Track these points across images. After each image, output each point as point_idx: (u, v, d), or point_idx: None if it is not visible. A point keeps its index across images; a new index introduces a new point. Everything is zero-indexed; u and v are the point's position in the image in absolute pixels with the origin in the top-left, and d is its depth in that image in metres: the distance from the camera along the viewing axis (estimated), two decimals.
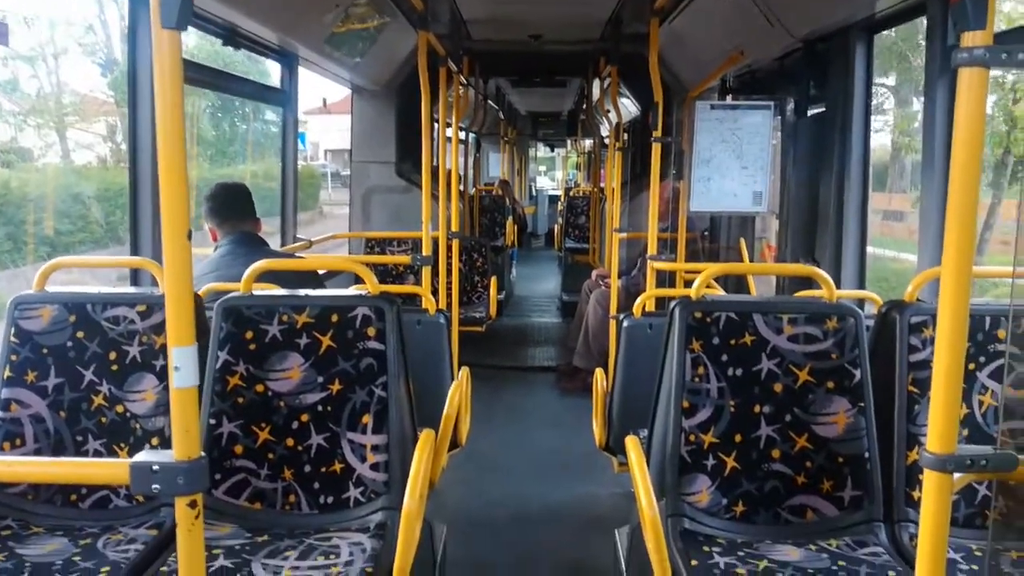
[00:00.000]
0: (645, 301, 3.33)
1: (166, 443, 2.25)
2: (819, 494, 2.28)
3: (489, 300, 6.20)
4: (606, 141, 7.58)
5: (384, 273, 5.73)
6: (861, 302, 3.01)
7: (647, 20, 3.64)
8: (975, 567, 2.06)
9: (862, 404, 2.28)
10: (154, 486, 1.15)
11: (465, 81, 5.90)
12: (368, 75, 5.59)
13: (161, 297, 2.27)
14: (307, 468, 2.31)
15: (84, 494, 2.29)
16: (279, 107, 4.57)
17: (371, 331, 2.33)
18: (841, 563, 2.07)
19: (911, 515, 2.22)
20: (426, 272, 3.57)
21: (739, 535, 2.24)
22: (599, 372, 3.77)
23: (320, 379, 2.33)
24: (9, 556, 2.02)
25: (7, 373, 2.29)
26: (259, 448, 2.31)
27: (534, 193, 17.90)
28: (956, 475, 1.18)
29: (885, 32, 3.44)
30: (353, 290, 2.51)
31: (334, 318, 2.34)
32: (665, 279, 4.17)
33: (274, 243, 3.98)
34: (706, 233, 5.44)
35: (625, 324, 3.33)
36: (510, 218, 9.75)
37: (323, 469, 2.31)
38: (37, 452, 2.27)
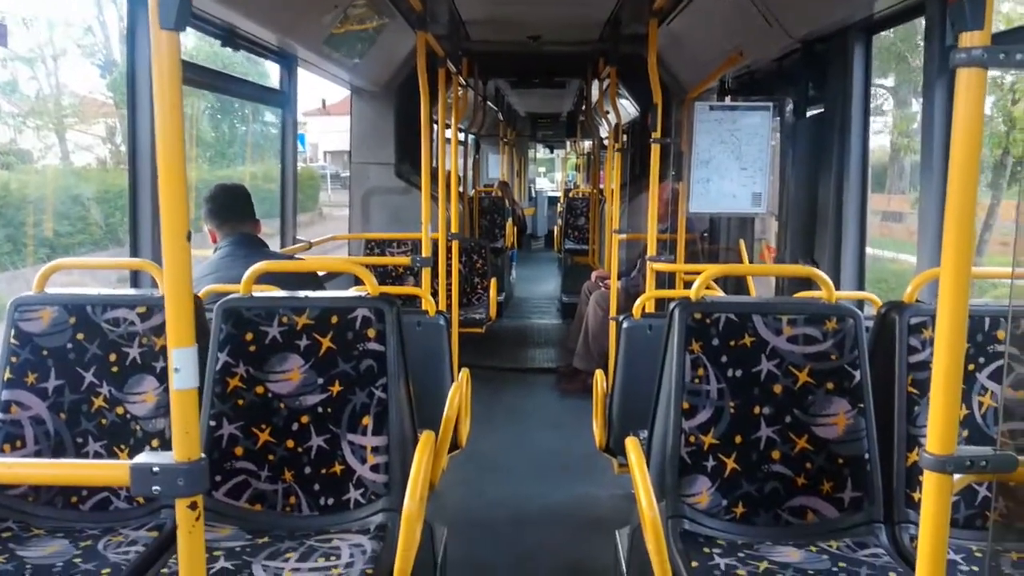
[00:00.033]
0: (645, 302, 3.33)
1: (166, 445, 2.25)
2: (819, 495, 2.28)
3: (489, 301, 6.20)
4: (605, 142, 7.58)
5: (384, 275, 5.73)
6: (860, 303, 3.01)
7: (646, 21, 3.64)
8: (975, 568, 2.06)
9: (862, 405, 2.28)
10: (154, 488, 1.15)
11: (464, 82, 5.90)
12: (367, 76, 5.59)
13: (161, 299, 2.27)
14: (307, 470, 2.31)
15: (84, 496, 2.29)
16: (278, 108, 4.57)
17: (371, 332, 2.33)
18: (841, 564, 2.07)
19: (911, 516, 2.22)
20: (426, 273, 3.57)
21: (739, 536, 2.24)
22: (599, 373, 3.77)
23: (320, 381, 2.32)
24: (10, 558, 2.02)
25: (7, 375, 2.29)
26: (259, 450, 2.31)
27: (533, 194, 17.90)
28: (956, 476, 1.18)
29: (884, 33, 3.45)
30: (353, 292, 2.51)
31: (334, 320, 2.34)
32: (665, 280, 4.17)
33: (274, 245, 3.98)
34: (705, 234, 5.44)
35: (625, 325, 3.33)
36: (510, 219, 9.75)
37: (323, 471, 2.31)
38: (37, 454, 2.27)
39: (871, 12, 3.08)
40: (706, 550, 2.14)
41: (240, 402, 2.30)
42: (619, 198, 5.35)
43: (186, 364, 1.16)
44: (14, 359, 2.29)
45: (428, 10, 3.60)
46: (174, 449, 1.16)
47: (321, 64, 4.67)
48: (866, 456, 2.26)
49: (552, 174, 24.68)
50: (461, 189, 8.37)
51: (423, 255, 3.55)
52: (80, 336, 2.31)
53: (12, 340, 2.30)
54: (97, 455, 2.29)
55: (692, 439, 2.30)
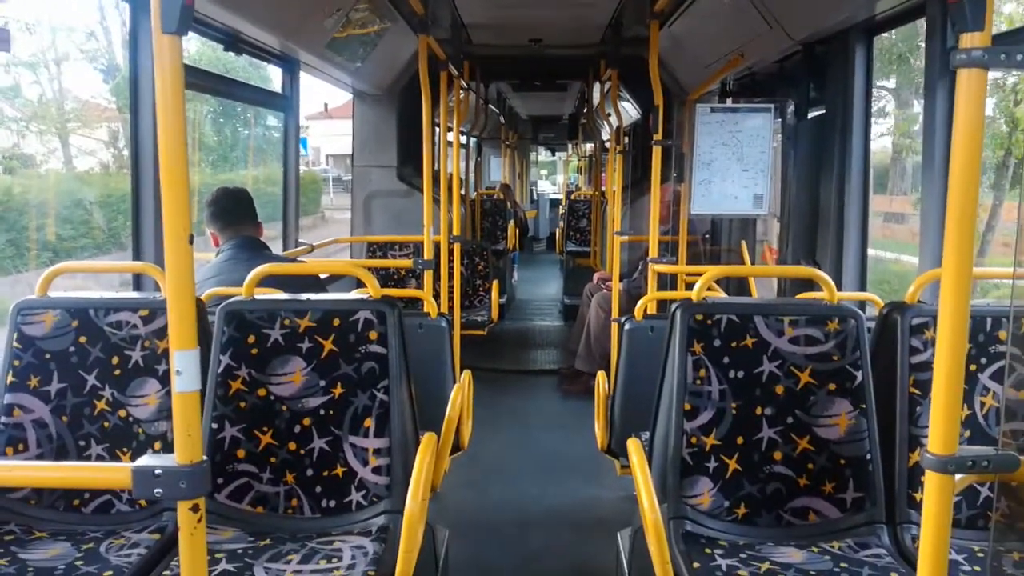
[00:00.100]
0: (646, 304, 3.33)
1: (168, 448, 2.25)
2: (821, 496, 2.28)
3: (491, 303, 6.20)
4: (607, 145, 7.59)
5: (386, 277, 5.74)
6: (862, 304, 3.01)
7: (647, 23, 3.64)
8: (977, 568, 2.06)
9: (863, 406, 2.28)
10: (156, 490, 1.16)
11: (466, 85, 5.91)
12: (369, 80, 5.60)
13: (163, 302, 2.27)
14: (309, 472, 2.31)
15: (87, 499, 2.29)
16: (280, 112, 4.58)
17: (373, 335, 2.33)
18: (843, 565, 2.07)
19: (913, 517, 2.22)
20: (428, 276, 3.57)
21: (741, 537, 2.24)
22: (601, 375, 3.77)
23: (322, 383, 2.33)
24: (12, 561, 2.02)
25: (10, 378, 2.29)
26: (261, 452, 2.31)
27: (535, 197, 17.91)
28: (958, 476, 1.18)
29: (885, 34, 3.45)
30: (355, 294, 2.51)
31: (336, 322, 2.34)
32: (666, 282, 4.17)
33: (276, 248, 3.99)
34: (707, 236, 5.44)
35: (627, 327, 3.33)
36: (511, 222, 9.75)
37: (325, 473, 2.31)
38: (40, 457, 2.27)
39: (872, 13, 3.09)
40: (708, 551, 2.14)
41: (242, 405, 2.31)
42: (621, 200, 5.36)
43: (188, 367, 1.17)
44: (17, 362, 2.30)
45: (430, 14, 3.60)
46: (176, 452, 1.17)
47: (323, 68, 4.68)
48: (868, 457, 2.26)
49: (554, 176, 24.71)
50: (463, 192, 8.38)
51: (425, 258, 3.55)
52: (83, 339, 2.32)
53: (15, 343, 2.31)
54: (99, 458, 2.30)
55: (694, 440, 2.30)
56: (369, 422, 2.31)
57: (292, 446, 2.31)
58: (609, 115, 6.01)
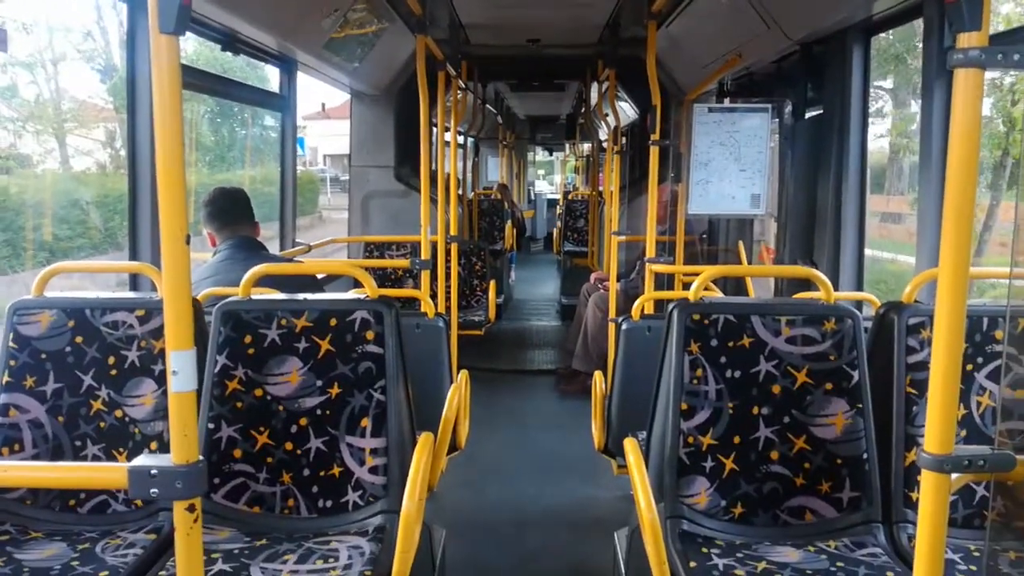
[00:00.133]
0: (644, 304, 3.33)
1: (165, 448, 2.23)
2: (817, 495, 2.28)
3: (488, 304, 6.20)
4: (604, 145, 7.59)
5: (383, 277, 5.73)
6: (859, 304, 3.01)
7: (645, 24, 3.64)
8: (973, 567, 2.06)
9: (860, 405, 2.28)
10: (152, 490, 1.16)
11: (463, 85, 5.91)
12: (367, 80, 5.60)
13: (160, 302, 2.27)
14: (306, 472, 2.31)
15: (83, 499, 2.29)
16: (278, 112, 4.57)
17: (370, 335, 2.33)
18: (840, 564, 2.07)
19: (909, 516, 2.22)
20: (425, 276, 3.57)
21: (738, 536, 2.24)
22: (598, 375, 3.78)
23: (319, 383, 2.33)
24: (8, 561, 2.02)
25: (6, 378, 2.29)
26: (258, 452, 2.31)
27: (533, 197, 17.92)
28: (954, 475, 1.18)
29: (882, 35, 3.45)
30: (352, 294, 2.51)
31: (333, 322, 2.34)
32: (664, 282, 4.17)
33: (273, 248, 3.99)
34: (704, 236, 5.44)
35: (624, 327, 3.34)
36: (509, 222, 9.76)
37: (322, 473, 2.31)
38: (36, 457, 2.27)
39: (870, 14, 3.09)
40: (704, 550, 2.14)
41: (239, 404, 2.30)
42: (618, 200, 5.36)
43: (184, 367, 1.16)
44: (13, 362, 2.29)
45: (427, 14, 3.60)
46: (172, 452, 1.17)
47: (321, 68, 4.68)
48: (864, 456, 2.26)
49: (551, 176, 24.72)
50: (460, 192, 8.39)
51: (422, 258, 3.55)
52: (79, 339, 2.32)
53: (11, 343, 2.30)
54: (95, 458, 2.29)
55: (691, 440, 2.31)
56: (366, 422, 2.31)
57: (289, 446, 2.31)
58: (607, 115, 6.01)
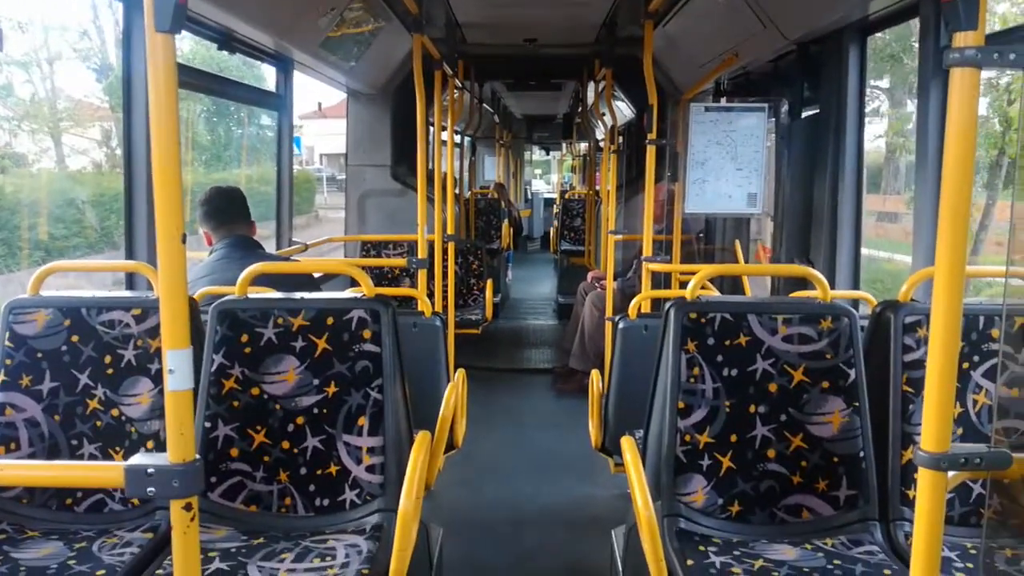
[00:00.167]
0: (641, 302, 3.34)
1: (161, 447, 2.24)
2: (814, 493, 2.29)
3: (485, 303, 6.20)
4: (601, 144, 7.60)
5: (380, 276, 5.73)
6: (856, 302, 3.02)
7: (641, 23, 3.64)
8: (970, 565, 2.07)
9: (857, 404, 2.28)
10: (149, 489, 1.15)
11: (460, 85, 5.91)
12: (363, 79, 5.60)
13: (156, 301, 2.27)
14: (303, 471, 2.31)
15: (79, 498, 2.28)
16: (274, 111, 4.57)
17: (367, 334, 2.33)
18: (836, 562, 2.08)
19: (906, 514, 2.23)
20: (422, 275, 3.57)
21: (735, 535, 2.24)
22: (595, 373, 3.78)
23: (316, 382, 2.32)
24: (4, 560, 2.02)
25: (2, 377, 2.29)
26: (255, 451, 2.30)
27: (529, 196, 17.93)
28: (950, 473, 1.19)
29: (878, 34, 3.46)
30: (349, 293, 2.51)
31: (329, 321, 2.34)
32: (660, 281, 4.17)
33: (269, 247, 3.98)
34: (701, 235, 5.44)
35: (621, 325, 3.34)
36: (506, 221, 9.75)
37: (319, 472, 2.31)
38: (32, 456, 2.27)
39: (866, 13, 3.09)
40: (702, 548, 2.14)
41: (235, 403, 2.30)
42: (615, 199, 5.36)
43: (181, 365, 1.16)
44: (8, 361, 2.29)
45: (424, 13, 3.60)
46: (169, 450, 1.16)
47: (317, 67, 4.67)
48: (861, 454, 2.26)
49: (548, 176, 24.71)
50: (457, 191, 8.38)
51: (419, 257, 3.55)
52: (75, 338, 2.31)
53: (6, 343, 2.30)
54: (92, 457, 2.29)
55: (688, 438, 2.31)
56: (363, 421, 2.31)
57: (285, 445, 2.31)
58: (603, 114, 6.01)
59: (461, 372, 3.50)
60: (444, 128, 5.39)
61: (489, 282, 6.35)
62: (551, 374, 6.15)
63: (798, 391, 2.31)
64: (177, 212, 1.15)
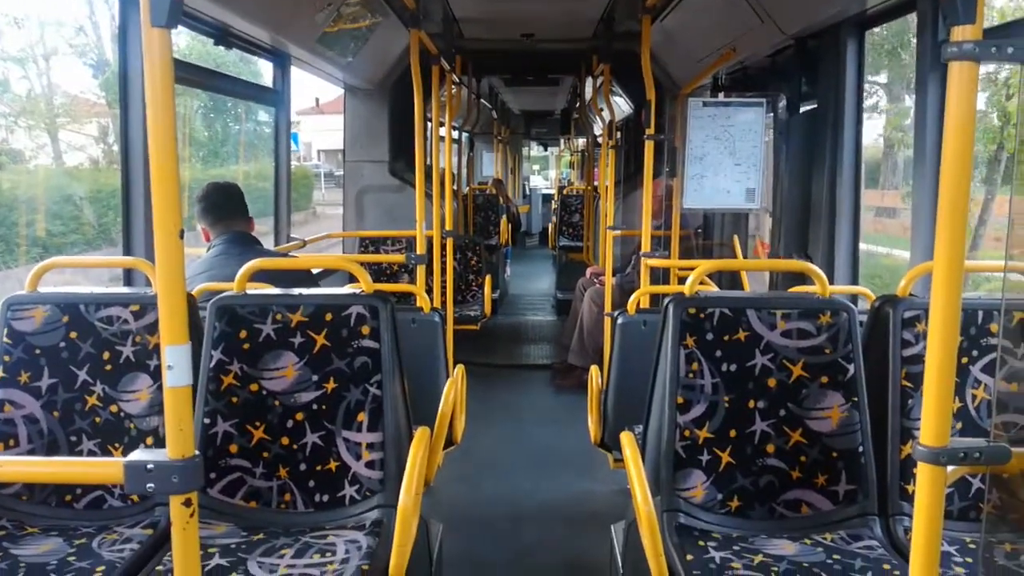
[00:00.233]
0: (639, 298, 3.34)
1: (160, 443, 2.24)
2: (814, 488, 2.29)
3: (483, 298, 6.20)
4: (599, 139, 7.59)
5: (378, 272, 5.73)
6: (854, 297, 3.02)
7: (639, 18, 3.64)
8: (969, 560, 2.07)
9: (855, 399, 2.28)
10: (148, 485, 1.15)
11: (458, 80, 5.90)
12: (361, 74, 5.59)
13: (154, 297, 2.27)
14: (302, 466, 2.31)
15: (79, 494, 2.28)
16: (272, 107, 4.56)
17: (365, 329, 2.33)
18: (836, 557, 2.08)
19: (905, 509, 2.23)
20: (420, 271, 3.57)
21: (734, 529, 2.25)
22: (594, 369, 3.78)
23: (315, 378, 2.32)
24: (4, 557, 2.02)
25: (0, 374, 2.28)
26: (254, 447, 2.30)
27: (528, 192, 17.92)
28: (950, 468, 1.19)
29: (876, 29, 3.45)
30: (347, 289, 2.51)
31: (328, 317, 2.33)
32: (659, 276, 4.17)
33: (268, 243, 3.98)
34: (699, 230, 5.44)
35: (619, 321, 3.34)
36: (504, 217, 9.75)
37: (318, 467, 2.31)
38: (31, 453, 2.26)
39: (864, 8, 3.09)
40: (701, 543, 2.15)
41: (234, 400, 2.30)
42: (613, 195, 5.36)
43: (179, 361, 1.16)
44: (7, 358, 2.29)
45: (421, 8, 3.59)
46: (168, 446, 1.16)
47: (314, 62, 4.66)
48: (860, 449, 2.27)
49: (546, 171, 24.71)
50: (455, 187, 8.37)
51: (418, 252, 3.55)
52: (73, 335, 2.31)
53: (5, 339, 2.29)
54: (91, 453, 2.29)
55: (687, 433, 2.31)
56: (362, 417, 2.31)
57: (285, 441, 2.31)
58: (601, 110, 6.00)
59: (460, 368, 3.50)
60: (442, 124, 5.39)
61: (488, 278, 6.35)
62: (550, 370, 6.15)
63: (797, 386, 2.31)
64: (175, 208, 1.14)
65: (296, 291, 2.41)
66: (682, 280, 3.17)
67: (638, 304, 3.31)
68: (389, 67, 5.82)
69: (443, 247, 4.19)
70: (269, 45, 4.12)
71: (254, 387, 2.31)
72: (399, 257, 3.64)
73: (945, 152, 1.14)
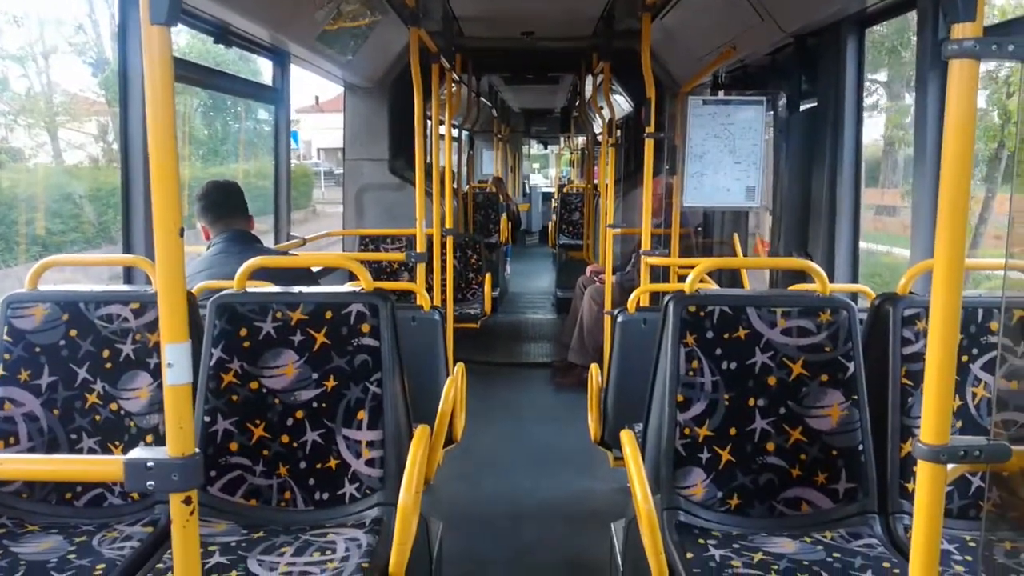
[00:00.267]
0: (639, 296, 3.34)
1: (160, 441, 2.24)
2: (813, 486, 2.29)
3: (483, 297, 6.20)
4: (599, 138, 7.58)
5: (378, 270, 5.73)
6: (854, 295, 3.02)
7: (639, 16, 3.64)
8: (969, 558, 2.07)
9: (855, 397, 2.28)
10: (149, 483, 1.15)
11: (458, 78, 5.89)
12: (360, 72, 5.58)
13: (154, 295, 2.27)
14: (302, 464, 2.31)
15: (79, 492, 2.28)
16: (271, 105, 4.56)
17: (365, 328, 2.33)
18: (836, 555, 2.08)
19: (905, 507, 2.23)
20: (420, 269, 3.57)
21: (734, 528, 2.25)
22: (594, 367, 3.78)
23: (315, 376, 2.32)
24: (4, 554, 2.02)
25: (0, 372, 2.28)
26: (254, 445, 2.30)
27: (528, 190, 17.92)
28: (950, 466, 1.19)
29: (876, 27, 3.45)
30: (347, 287, 2.51)
31: (328, 315, 2.33)
32: (659, 274, 4.17)
33: (267, 241, 3.98)
34: (699, 229, 5.44)
35: (619, 319, 3.34)
36: (504, 215, 9.75)
37: (318, 465, 2.31)
38: (31, 451, 2.26)
39: (864, 6, 3.09)
40: (701, 541, 2.15)
41: (234, 398, 2.30)
42: (613, 193, 5.36)
43: (180, 359, 1.16)
44: (7, 356, 2.29)
45: (421, 6, 3.59)
46: (168, 444, 1.16)
47: (314, 61, 4.66)
48: (860, 447, 2.27)
49: (546, 170, 24.70)
50: (455, 185, 8.37)
51: (417, 251, 3.55)
52: (73, 333, 2.31)
53: (5, 337, 2.29)
54: (91, 451, 2.29)
55: (687, 431, 2.31)
56: (362, 415, 2.31)
57: (285, 439, 2.31)
58: (601, 108, 6.00)
59: (460, 366, 3.50)
60: (442, 122, 5.39)
61: (488, 276, 6.35)
62: (550, 368, 6.15)
63: (797, 384, 2.31)
64: (175, 206, 1.14)
65: (296, 289, 2.41)
66: (682, 278, 3.17)
67: (638, 302, 3.31)
68: (389, 65, 5.82)
69: (443, 245, 4.19)
70: (269, 43, 4.12)
71: (254, 385, 2.31)
72: (399, 255, 3.64)
73: (945, 150, 1.14)
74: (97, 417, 2.30)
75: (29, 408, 2.28)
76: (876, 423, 2.28)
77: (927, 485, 1.20)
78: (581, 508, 3.79)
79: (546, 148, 21.85)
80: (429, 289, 3.56)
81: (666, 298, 2.39)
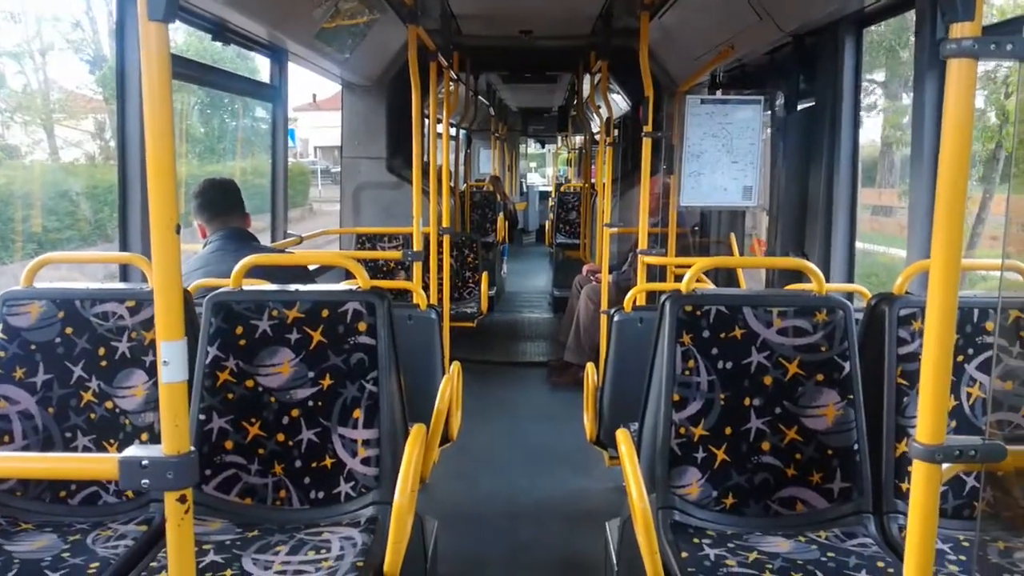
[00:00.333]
0: (636, 295, 3.34)
1: (156, 439, 2.23)
2: (808, 486, 2.29)
3: (480, 295, 6.20)
4: (597, 137, 7.59)
5: (375, 269, 5.73)
6: (850, 295, 3.02)
7: (637, 15, 3.64)
8: (963, 557, 2.07)
9: (851, 396, 2.29)
10: (143, 481, 1.15)
11: (455, 77, 5.89)
12: (358, 71, 5.58)
13: (150, 292, 2.26)
14: (298, 463, 2.31)
15: (73, 490, 2.28)
16: (269, 103, 4.55)
17: (362, 326, 2.32)
18: (830, 554, 2.08)
19: (900, 507, 2.23)
20: (417, 268, 3.56)
21: (729, 527, 2.25)
22: (590, 366, 3.78)
23: (311, 374, 2.32)
24: None
25: None
26: (249, 443, 2.30)
27: (525, 189, 17.92)
28: (945, 465, 1.19)
29: (874, 27, 3.46)
30: (344, 285, 2.50)
31: (324, 313, 2.33)
32: (656, 274, 4.18)
33: (264, 239, 3.97)
34: (696, 228, 5.45)
35: (616, 318, 3.34)
36: (501, 214, 9.74)
37: (314, 464, 2.31)
38: (26, 449, 2.26)
39: (862, 5, 3.09)
40: (696, 541, 2.15)
41: (230, 396, 2.30)
42: (610, 192, 5.36)
43: (175, 357, 1.16)
44: (2, 354, 2.28)
45: (419, 4, 3.59)
46: (163, 442, 1.16)
47: (312, 58, 4.65)
48: (855, 447, 2.27)
49: (543, 169, 24.68)
50: (452, 184, 8.37)
51: (414, 249, 3.54)
52: (69, 330, 2.30)
53: (0, 335, 2.29)
54: (86, 449, 2.28)
55: (682, 431, 2.31)
56: (358, 413, 2.31)
57: (280, 437, 2.31)
58: (599, 107, 6.01)
59: (456, 365, 3.49)
60: (439, 120, 5.39)
61: (484, 275, 6.35)
62: (546, 367, 6.15)
63: (793, 384, 2.31)
64: (171, 203, 1.14)
65: (292, 287, 2.41)
66: (679, 278, 3.17)
67: (634, 301, 3.31)
68: (387, 63, 5.81)
69: (440, 244, 4.19)
70: (266, 41, 4.11)
71: (250, 383, 2.31)
72: (396, 254, 3.64)
73: (943, 150, 1.14)
74: (92, 415, 2.29)
75: (24, 406, 2.28)
76: (871, 423, 2.29)
77: (922, 484, 1.20)
78: (576, 507, 3.79)
79: (543, 147, 21.83)
80: (426, 288, 3.56)
81: (662, 297, 2.39)
